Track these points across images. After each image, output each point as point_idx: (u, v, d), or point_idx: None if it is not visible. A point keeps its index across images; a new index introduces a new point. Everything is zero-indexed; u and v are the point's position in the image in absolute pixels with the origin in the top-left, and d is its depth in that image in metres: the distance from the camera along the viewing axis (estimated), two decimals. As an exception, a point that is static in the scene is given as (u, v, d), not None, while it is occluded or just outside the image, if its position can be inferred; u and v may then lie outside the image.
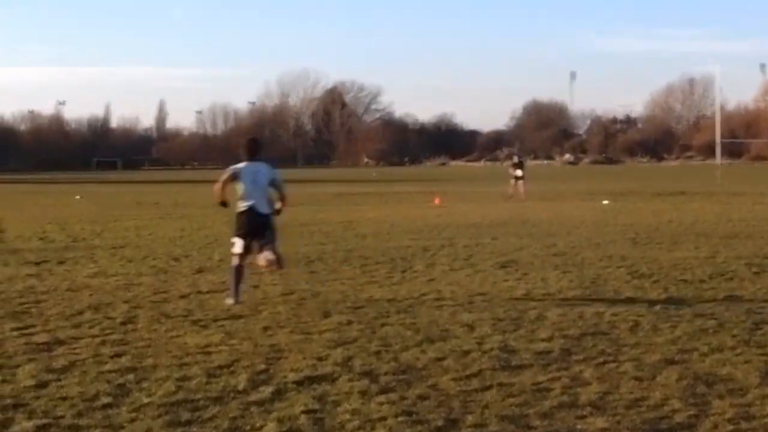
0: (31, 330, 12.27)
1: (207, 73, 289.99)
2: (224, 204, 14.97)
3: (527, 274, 17.37)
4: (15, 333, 12.07)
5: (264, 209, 14.56)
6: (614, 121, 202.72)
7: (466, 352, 10.65)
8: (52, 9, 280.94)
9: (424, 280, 16.77)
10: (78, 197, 52.58)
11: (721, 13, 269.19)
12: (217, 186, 14.89)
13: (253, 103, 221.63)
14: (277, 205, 14.97)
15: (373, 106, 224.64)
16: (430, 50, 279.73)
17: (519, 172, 50.43)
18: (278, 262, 14.50)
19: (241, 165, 14.68)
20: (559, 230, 26.55)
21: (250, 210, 14.44)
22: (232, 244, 14.55)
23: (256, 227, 14.46)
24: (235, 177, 14.59)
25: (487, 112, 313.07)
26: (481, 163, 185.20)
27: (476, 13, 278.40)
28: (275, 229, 14.75)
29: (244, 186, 14.46)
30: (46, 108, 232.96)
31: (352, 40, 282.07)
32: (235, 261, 14.40)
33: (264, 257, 14.32)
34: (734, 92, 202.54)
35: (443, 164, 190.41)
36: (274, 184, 14.80)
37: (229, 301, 14.30)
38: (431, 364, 10.09)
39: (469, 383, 9.27)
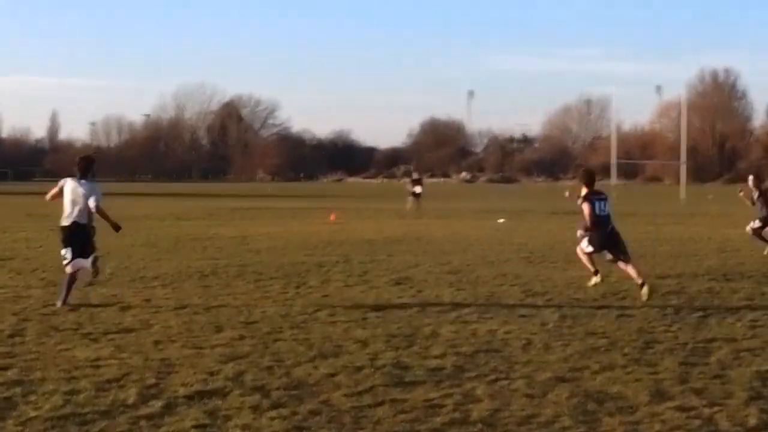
0: None
1: (101, 84, 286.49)
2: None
3: (422, 291, 17.43)
4: None
5: (82, 220, 15.84)
6: (511, 140, 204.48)
7: (359, 368, 10.65)
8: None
9: (319, 295, 16.76)
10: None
11: (619, 35, 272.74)
12: (47, 197, 16.32)
13: (148, 116, 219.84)
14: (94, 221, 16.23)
15: (270, 121, 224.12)
16: (328, 66, 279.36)
17: (417, 189, 50.80)
18: (95, 270, 15.87)
19: (67, 180, 15.98)
20: (454, 248, 26.70)
21: (69, 222, 15.80)
22: (62, 254, 15.84)
23: (75, 235, 15.76)
24: (61, 191, 15.89)
25: (384, 129, 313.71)
26: (378, 180, 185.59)
27: (374, 30, 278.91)
28: (92, 239, 16.14)
29: (65, 201, 15.79)
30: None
31: (250, 55, 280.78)
32: (68, 269, 15.62)
33: (81, 264, 15.63)
34: (630, 113, 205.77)
35: (339, 180, 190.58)
36: (90, 200, 15.79)
37: (58, 303, 15.33)
38: (324, 380, 10.06)
39: (361, 399, 9.26)
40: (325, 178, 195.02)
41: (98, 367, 10.65)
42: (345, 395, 9.39)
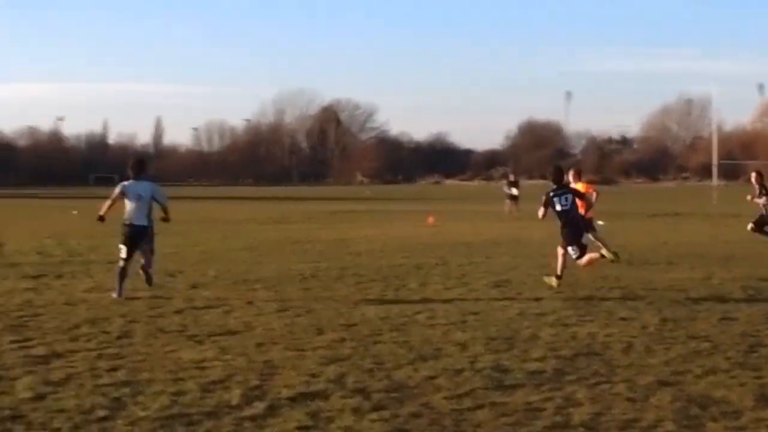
0: (29, 343, 12.38)
1: (204, 90, 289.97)
2: (101, 219, 17.60)
3: (521, 293, 17.47)
4: (14, 346, 12.17)
5: (142, 222, 17.29)
6: (610, 141, 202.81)
7: (459, 371, 10.73)
8: (52, 24, 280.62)
9: (418, 298, 16.86)
10: (75, 212, 52.54)
11: (719, 33, 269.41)
12: (107, 202, 17.43)
13: (249, 121, 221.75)
14: (163, 216, 17.73)
15: (368, 125, 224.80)
16: (426, 69, 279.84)
17: (514, 191, 50.68)
18: (148, 275, 17.67)
19: (127, 183, 17.46)
20: (552, 250, 26.60)
21: (131, 223, 17.20)
22: (119, 250, 17.19)
23: (136, 237, 17.20)
24: (123, 194, 17.24)
25: (481, 131, 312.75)
26: (475, 183, 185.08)
27: (473, 32, 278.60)
28: (152, 241, 17.71)
29: (128, 202, 17.23)
30: (45, 124, 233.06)
31: (348, 59, 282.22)
32: (120, 264, 17.05)
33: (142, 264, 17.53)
34: (731, 113, 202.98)
35: (437, 183, 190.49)
36: (155, 199, 17.53)
37: (114, 294, 16.81)
38: (424, 383, 10.16)
39: (462, 402, 9.34)
40: (423, 181, 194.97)
41: (203, 368, 10.86)
42: (445, 398, 9.48)
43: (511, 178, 53.94)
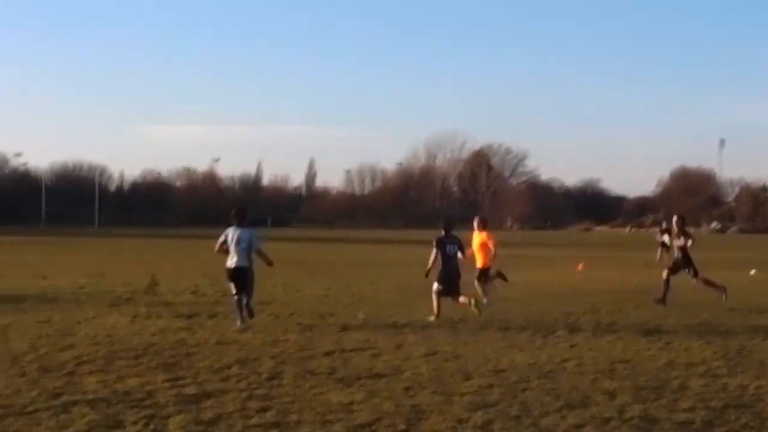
0: (182, 382, 12.66)
1: (356, 133, 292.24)
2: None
3: (670, 342, 17.25)
4: (167, 384, 12.45)
5: (243, 264, 19.28)
6: (764, 189, 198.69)
7: (607, 420, 10.67)
8: (207, 68, 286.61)
9: (566, 345, 16.78)
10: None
11: None
12: (216, 249, 19.85)
13: (401, 164, 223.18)
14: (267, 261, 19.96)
15: (520, 169, 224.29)
16: (578, 114, 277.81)
17: (666, 239, 49.98)
18: (248, 311, 19.25)
19: (229, 230, 19.63)
20: (703, 299, 26.21)
21: (233, 265, 19.30)
22: (229, 288, 19.67)
23: (237, 277, 19.24)
24: (225, 240, 19.52)
25: (633, 177, 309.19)
26: (626, 229, 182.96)
27: (623, 79, 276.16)
28: (252, 281, 19.36)
29: (230, 246, 19.38)
30: (201, 165, 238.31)
31: (501, 102, 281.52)
32: (234, 298, 19.41)
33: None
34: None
35: (587, 229, 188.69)
36: (251, 244, 19.47)
37: (238, 323, 18.91)
38: (571, 431, 10.13)
39: (608, 451, 9.29)
40: (573, 227, 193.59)
41: (351, 411, 10.97)
42: (592, 446, 9.44)
43: (664, 225, 53.19)
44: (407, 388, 12.45)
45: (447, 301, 20.73)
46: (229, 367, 13.95)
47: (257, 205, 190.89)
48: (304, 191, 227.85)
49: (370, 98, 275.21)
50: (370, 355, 15.24)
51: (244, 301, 19.17)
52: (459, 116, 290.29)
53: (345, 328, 18.74)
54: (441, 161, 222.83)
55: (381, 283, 31.65)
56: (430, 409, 11.11)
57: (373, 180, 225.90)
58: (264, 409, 10.99)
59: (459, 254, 21.62)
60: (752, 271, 41.14)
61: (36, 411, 10.70)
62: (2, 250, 51.93)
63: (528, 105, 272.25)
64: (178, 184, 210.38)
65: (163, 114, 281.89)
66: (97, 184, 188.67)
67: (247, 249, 19.29)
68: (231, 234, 19.44)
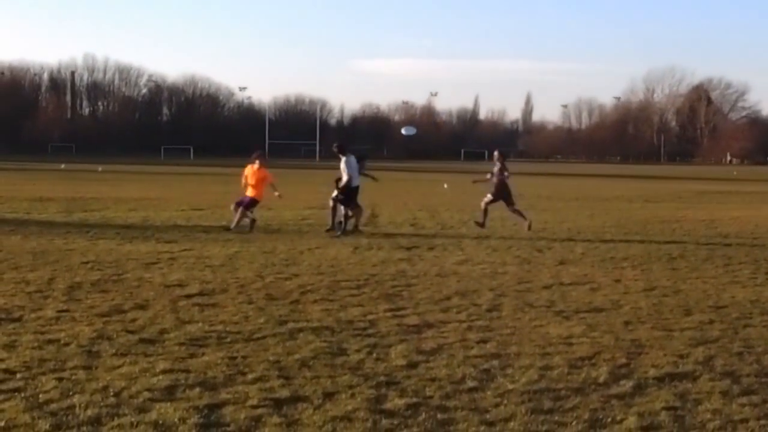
0: (403, 312, 12.86)
1: (574, 67, 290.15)
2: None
3: None
4: (388, 314, 12.68)
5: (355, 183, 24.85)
6: None
7: (832, 359, 10.42)
8: (426, 1, 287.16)
9: (792, 282, 16.41)
10: (446, 186, 53.74)
11: None
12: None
13: (618, 99, 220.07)
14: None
15: (740, 104, 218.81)
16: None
17: None
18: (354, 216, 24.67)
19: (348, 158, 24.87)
20: None
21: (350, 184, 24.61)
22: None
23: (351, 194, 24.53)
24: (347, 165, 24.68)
25: None
26: None
27: None
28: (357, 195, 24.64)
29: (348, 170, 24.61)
30: (419, 99, 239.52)
31: (721, 37, 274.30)
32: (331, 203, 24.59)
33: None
34: None
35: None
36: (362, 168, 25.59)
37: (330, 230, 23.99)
38: (795, 369, 9.94)
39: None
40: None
41: (570, 344, 10.99)
42: (819, 385, 9.25)
43: None
44: (626, 323, 12.40)
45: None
46: (448, 298, 14.11)
47: (474, 140, 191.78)
48: (520, 126, 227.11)
49: (587, 32, 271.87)
50: (589, 289, 15.20)
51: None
52: (678, 50, 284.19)
53: (563, 262, 18.72)
54: (659, 96, 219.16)
55: (599, 218, 31.42)
56: (650, 344, 11.04)
57: (590, 115, 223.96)
58: (484, 341, 11.09)
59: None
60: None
61: (264, 337, 11.04)
62: (229, 182, 53.42)
63: (749, 37, 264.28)
64: (397, 117, 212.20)
65: (382, 48, 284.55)
66: (318, 117, 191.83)
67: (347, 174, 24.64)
68: (348, 161, 24.79)
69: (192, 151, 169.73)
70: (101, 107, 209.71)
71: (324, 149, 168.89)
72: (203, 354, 10.07)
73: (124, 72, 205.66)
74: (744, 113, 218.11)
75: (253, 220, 24.40)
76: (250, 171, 25.26)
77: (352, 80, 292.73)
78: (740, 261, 19.27)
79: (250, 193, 24.92)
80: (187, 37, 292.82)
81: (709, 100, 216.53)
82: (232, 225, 24.23)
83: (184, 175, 74.56)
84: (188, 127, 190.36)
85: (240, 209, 24.34)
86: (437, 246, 21.16)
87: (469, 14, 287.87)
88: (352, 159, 24.91)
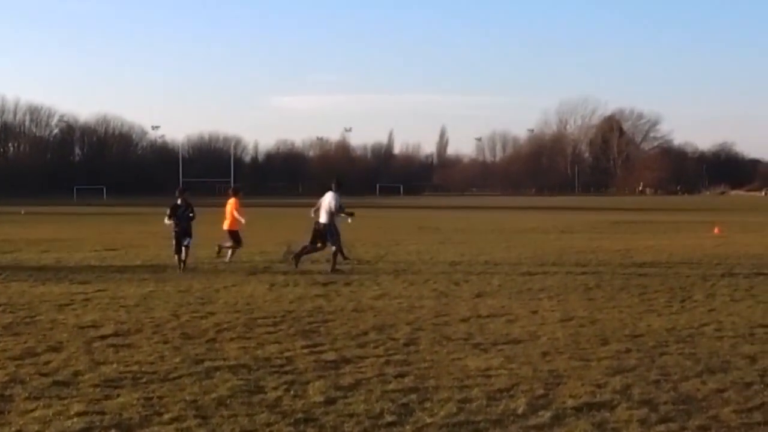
0: (320, 348, 12.78)
1: (487, 100, 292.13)
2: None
3: (812, 306, 16.96)
4: (305, 351, 12.59)
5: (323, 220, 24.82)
6: None
7: (748, 384, 10.53)
8: (340, 38, 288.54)
9: (704, 310, 16.59)
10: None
11: None
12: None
13: (532, 131, 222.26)
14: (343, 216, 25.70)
15: (652, 134, 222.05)
16: (711, 78, 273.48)
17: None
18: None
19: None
20: None
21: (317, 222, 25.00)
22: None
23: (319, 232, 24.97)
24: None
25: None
26: (762, 193, 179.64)
27: (758, 39, 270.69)
28: (333, 234, 24.73)
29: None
30: (333, 134, 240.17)
31: (631, 68, 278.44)
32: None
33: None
34: None
35: (723, 193, 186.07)
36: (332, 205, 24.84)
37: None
38: (712, 395, 10.02)
39: (752, 416, 9.17)
40: (707, 191, 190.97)
41: (489, 376, 10.98)
42: (734, 411, 9.33)
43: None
44: (544, 353, 12.43)
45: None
46: (366, 333, 14.07)
47: (389, 175, 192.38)
48: (435, 159, 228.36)
49: (501, 66, 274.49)
50: (506, 321, 15.24)
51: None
52: (590, 82, 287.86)
53: (480, 294, 18.76)
54: (572, 128, 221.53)
55: (515, 249, 31.58)
56: (567, 374, 11.08)
57: (504, 147, 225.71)
58: (402, 375, 11.05)
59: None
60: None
61: (180, 377, 10.91)
62: (143, 221, 52.98)
63: (660, 68, 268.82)
64: (311, 154, 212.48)
65: (295, 85, 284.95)
66: (232, 154, 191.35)
67: (328, 209, 24.77)
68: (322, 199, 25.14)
69: (105, 190, 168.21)
70: (12, 148, 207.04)
71: (241, 187, 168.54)
72: (118, 395, 9.92)
73: (35, 112, 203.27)
74: (656, 143, 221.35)
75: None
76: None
77: (267, 117, 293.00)
78: (655, 290, 19.45)
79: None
80: (100, 77, 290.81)
81: (621, 131, 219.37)
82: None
83: (97, 215, 73.71)
84: (101, 166, 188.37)
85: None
86: (354, 281, 21.11)
87: (382, 49, 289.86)
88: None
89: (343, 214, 25.36)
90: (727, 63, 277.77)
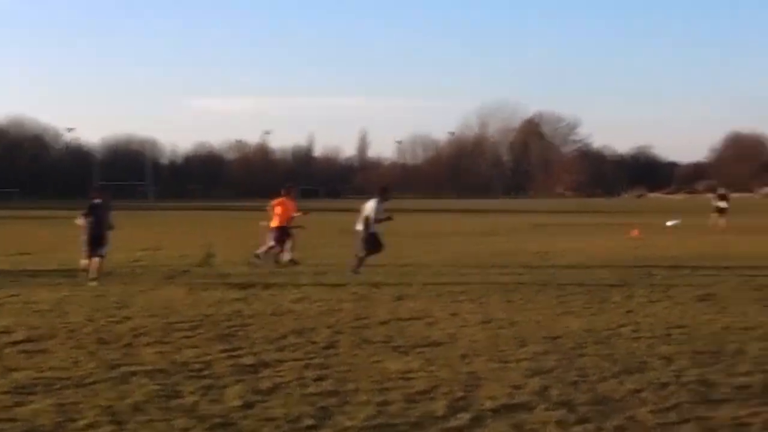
0: (239, 352, 12.69)
1: (408, 104, 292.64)
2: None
3: (726, 307, 17.15)
4: (223, 355, 12.50)
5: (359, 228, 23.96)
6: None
7: (664, 385, 10.62)
8: (259, 40, 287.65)
9: (622, 311, 16.72)
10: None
11: None
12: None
13: (453, 134, 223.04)
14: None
15: (571, 137, 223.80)
16: (629, 81, 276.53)
17: (722, 204, 50.01)
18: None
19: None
20: (759, 264, 26.05)
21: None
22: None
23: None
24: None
25: (685, 143, 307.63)
26: (680, 196, 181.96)
27: (676, 44, 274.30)
28: (367, 241, 23.73)
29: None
30: (252, 137, 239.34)
31: (551, 72, 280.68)
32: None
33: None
34: None
35: (641, 196, 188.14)
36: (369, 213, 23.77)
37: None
38: (629, 396, 10.09)
39: (667, 416, 9.24)
40: (626, 194, 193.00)
41: (408, 379, 10.97)
42: (651, 411, 9.40)
43: (721, 191, 53.24)
44: (463, 356, 12.45)
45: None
46: (285, 337, 13.99)
47: (309, 177, 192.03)
48: (356, 162, 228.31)
49: (421, 69, 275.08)
50: (426, 324, 15.24)
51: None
52: (510, 85, 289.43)
53: (400, 297, 18.74)
54: (493, 131, 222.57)
55: (435, 253, 31.64)
56: (486, 377, 11.10)
57: (425, 150, 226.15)
58: (321, 378, 11.01)
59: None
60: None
61: (95, 382, 10.77)
62: (55, 224, 52.36)
63: (579, 72, 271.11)
64: (231, 156, 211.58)
65: (214, 87, 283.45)
66: (148, 157, 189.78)
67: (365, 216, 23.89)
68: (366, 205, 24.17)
69: (18, 193, 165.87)
70: None
71: (156, 189, 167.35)
72: (31, 402, 9.77)
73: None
74: (576, 146, 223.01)
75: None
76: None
77: (184, 119, 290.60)
78: (573, 292, 19.57)
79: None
80: (13, 78, 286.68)
81: (541, 134, 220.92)
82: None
83: (10, 218, 72.65)
84: (13, 169, 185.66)
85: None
86: (273, 285, 20.98)
87: (302, 51, 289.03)
88: None
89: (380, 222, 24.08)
90: (646, 67, 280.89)
